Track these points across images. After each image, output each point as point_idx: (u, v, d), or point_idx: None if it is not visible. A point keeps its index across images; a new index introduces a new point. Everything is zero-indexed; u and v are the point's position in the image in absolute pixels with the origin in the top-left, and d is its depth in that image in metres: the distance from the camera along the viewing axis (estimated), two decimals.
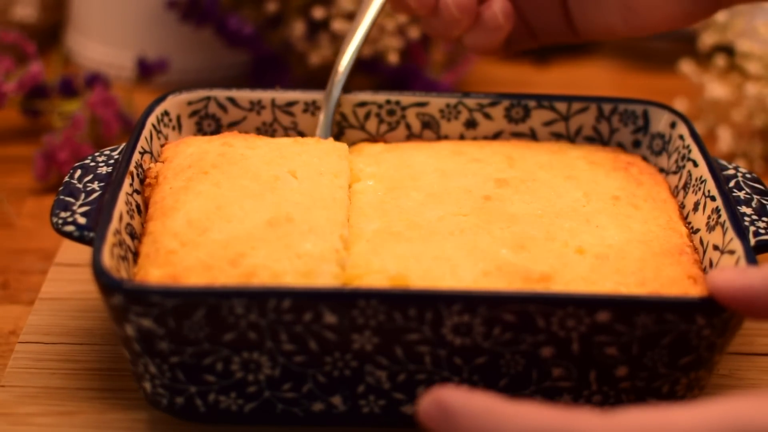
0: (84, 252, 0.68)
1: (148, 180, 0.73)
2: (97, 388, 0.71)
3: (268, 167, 0.73)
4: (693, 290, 0.66)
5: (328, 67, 1.02)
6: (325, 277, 0.66)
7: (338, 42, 1.03)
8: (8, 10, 1.10)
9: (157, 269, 0.66)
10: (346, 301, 0.62)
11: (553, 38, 0.83)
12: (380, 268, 0.66)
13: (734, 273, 0.61)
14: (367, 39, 1.00)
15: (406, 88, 1.05)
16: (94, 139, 0.98)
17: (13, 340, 0.76)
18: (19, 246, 0.87)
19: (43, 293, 0.79)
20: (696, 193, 0.74)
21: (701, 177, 0.74)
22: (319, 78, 1.03)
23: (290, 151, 0.75)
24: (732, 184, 0.73)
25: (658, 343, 0.63)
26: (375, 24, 0.82)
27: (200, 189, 0.71)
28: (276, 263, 0.65)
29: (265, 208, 0.69)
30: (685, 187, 0.75)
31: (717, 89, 1.00)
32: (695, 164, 0.75)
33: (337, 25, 1.01)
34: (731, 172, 0.75)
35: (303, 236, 0.67)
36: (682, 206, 0.75)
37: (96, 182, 0.71)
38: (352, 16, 1.01)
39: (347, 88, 0.80)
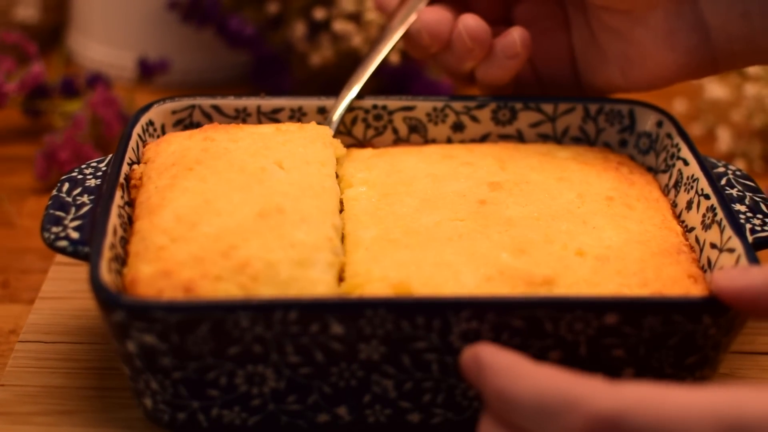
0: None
1: (133, 182, 0.72)
2: (97, 387, 0.70)
3: (254, 159, 0.72)
4: (694, 289, 0.67)
5: (329, 67, 1.02)
6: (321, 265, 0.65)
7: (339, 43, 1.02)
8: (10, 11, 1.09)
9: (148, 265, 0.64)
10: (353, 311, 0.61)
11: (560, 90, 0.84)
12: (381, 276, 0.66)
13: (737, 273, 0.62)
14: (367, 39, 1.00)
15: (407, 88, 1.05)
16: (95, 139, 0.97)
17: (13, 339, 0.76)
18: (19, 245, 0.86)
19: (44, 292, 0.79)
20: (688, 192, 0.74)
21: (693, 175, 0.74)
22: (320, 79, 1.03)
23: (274, 141, 0.74)
24: (723, 181, 0.74)
25: (665, 343, 0.63)
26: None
27: (186, 185, 0.69)
28: (270, 253, 0.64)
29: (254, 199, 0.68)
30: (676, 185, 0.76)
31: (716, 90, 1.00)
32: (686, 163, 0.75)
33: (338, 25, 1.00)
34: (721, 170, 0.75)
35: (295, 226, 0.66)
36: (674, 205, 0.75)
37: (85, 195, 0.70)
38: (352, 17, 1.01)
39: (336, 92, 0.79)
